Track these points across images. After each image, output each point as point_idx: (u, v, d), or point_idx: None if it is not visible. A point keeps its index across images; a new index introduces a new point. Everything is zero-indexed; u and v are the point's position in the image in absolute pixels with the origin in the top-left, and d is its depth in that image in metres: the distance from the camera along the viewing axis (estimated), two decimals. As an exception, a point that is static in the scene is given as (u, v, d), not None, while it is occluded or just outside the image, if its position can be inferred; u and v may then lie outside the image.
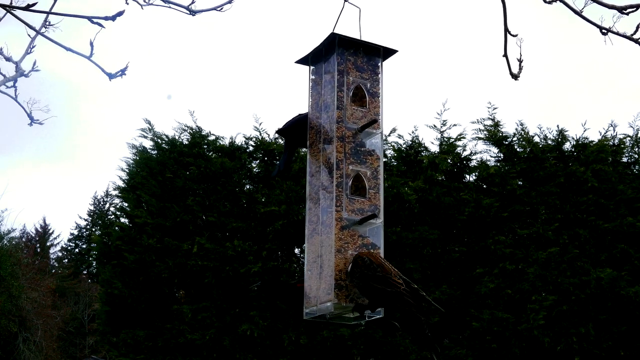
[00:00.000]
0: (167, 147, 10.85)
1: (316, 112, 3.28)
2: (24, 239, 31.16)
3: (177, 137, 10.92)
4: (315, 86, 3.33)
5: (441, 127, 10.70)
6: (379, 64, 3.32)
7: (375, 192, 3.18)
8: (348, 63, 3.23)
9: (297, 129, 3.37)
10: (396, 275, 2.93)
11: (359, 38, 3.27)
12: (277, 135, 10.67)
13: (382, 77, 3.31)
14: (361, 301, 2.98)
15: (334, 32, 3.20)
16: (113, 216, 12.38)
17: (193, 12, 2.53)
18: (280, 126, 3.47)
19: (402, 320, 2.92)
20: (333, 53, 3.24)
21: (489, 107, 10.72)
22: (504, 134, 10.57)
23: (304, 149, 3.33)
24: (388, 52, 3.33)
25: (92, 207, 32.58)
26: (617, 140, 10.45)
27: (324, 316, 3.04)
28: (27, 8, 2.31)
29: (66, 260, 32.32)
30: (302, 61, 3.38)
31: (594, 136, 14.17)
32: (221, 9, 2.60)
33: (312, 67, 3.37)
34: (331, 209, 3.06)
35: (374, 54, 3.31)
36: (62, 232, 53.22)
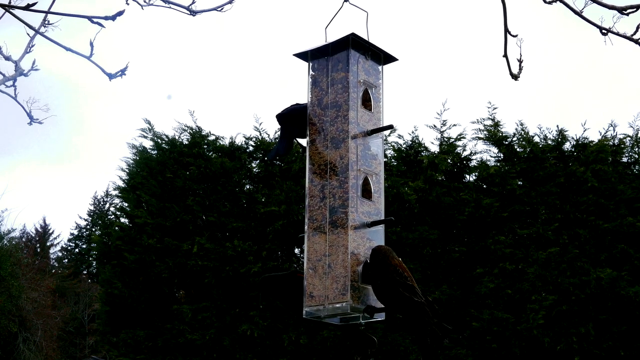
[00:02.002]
0: (167, 147, 10.85)
1: (318, 109, 3.26)
2: (24, 239, 31.14)
3: (177, 137, 10.93)
4: (317, 83, 3.31)
5: (441, 127, 10.71)
6: (380, 69, 3.33)
7: (378, 195, 3.19)
8: (359, 65, 3.23)
9: (296, 118, 3.36)
10: (417, 286, 2.98)
11: (367, 41, 3.27)
12: (276, 136, 10.67)
13: (383, 82, 3.33)
14: (372, 303, 2.99)
15: (353, 32, 3.20)
16: (113, 216, 12.40)
17: (193, 12, 2.53)
18: (280, 111, 3.47)
19: (413, 329, 2.93)
20: (343, 52, 3.23)
21: (489, 107, 10.73)
22: (504, 134, 10.56)
23: (301, 149, 3.32)
24: (388, 58, 3.34)
25: (92, 207, 32.56)
26: (617, 140, 10.44)
27: (319, 316, 3.03)
28: (27, 8, 2.30)
29: (66, 260, 32.30)
30: (301, 56, 3.36)
31: (594, 136, 14.17)
32: (221, 9, 2.59)
33: (313, 64, 3.35)
34: (344, 209, 3.05)
35: (376, 60, 3.32)
36: (62, 232, 53.22)
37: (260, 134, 10.83)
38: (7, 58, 2.74)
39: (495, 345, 9.44)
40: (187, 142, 10.82)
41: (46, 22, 2.57)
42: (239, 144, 10.81)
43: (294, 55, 3.35)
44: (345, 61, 3.22)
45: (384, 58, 3.34)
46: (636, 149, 10.50)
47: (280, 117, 3.46)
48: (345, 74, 3.20)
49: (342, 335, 9.37)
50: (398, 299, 2.91)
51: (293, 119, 3.38)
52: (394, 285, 2.90)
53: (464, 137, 10.66)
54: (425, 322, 2.89)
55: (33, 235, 32.37)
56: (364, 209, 3.11)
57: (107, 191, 31.16)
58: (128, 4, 2.43)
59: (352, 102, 3.16)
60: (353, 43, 3.21)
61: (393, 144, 10.72)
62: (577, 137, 10.42)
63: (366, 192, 3.15)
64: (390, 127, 3.24)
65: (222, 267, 9.89)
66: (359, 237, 3.07)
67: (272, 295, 3.43)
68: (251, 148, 10.85)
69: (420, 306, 2.91)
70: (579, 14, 2.61)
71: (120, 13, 2.36)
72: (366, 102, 3.25)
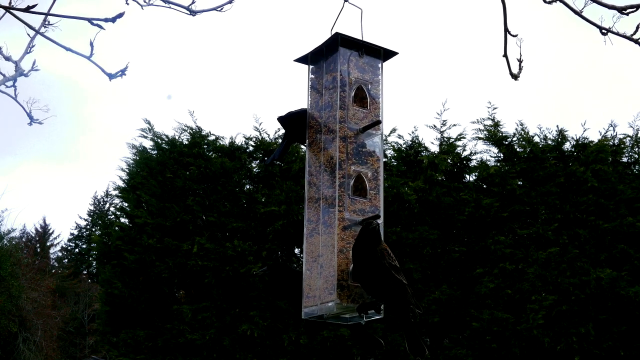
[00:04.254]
0: (167, 147, 10.85)
1: (316, 111, 3.28)
2: (24, 239, 31.15)
3: (177, 137, 10.93)
4: (315, 85, 3.33)
5: (441, 127, 10.71)
6: (380, 65, 3.32)
7: (376, 193, 3.17)
8: (350, 63, 3.23)
9: (298, 122, 3.37)
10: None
11: (361, 39, 3.26)
12: (276, 136, 10.67)
13: (383, 78, 3.31)
14: (363, 300, 2.98)
15: (337, 31, 3.19)
16: (113, 216, 12.39)
17: (193, 12, 2.53)
18: (283, 114, 3.47)
19: (398, 318, 2.94)
20: (335, 53, 3.23)
21: (489, 107, 10.74)
22: (504, 134, 10.57)
23: (303, 148, 3.33)
24: (388, 54, 3.33)
25: (92, 207, 32.58)
26: (617, 140, 10.45)
27: (322, 316, 3.04)
28: (27, 10, 2.31)
29: (66, 260, 32.31)
30: (302, 60, 3.37)
31: (594, 136, 14.19)
32: (221, 9, 2.59)
33: (311, 67, 3.36)
34: (333, 209, 3.05)
35: (375, 55, 3.31)
36: (62, 232, 53.24)
37: (260, 134, 10.83)
38: (8, 58, 2.74)
39: (495, 345, 9.44)
40: (187, 142, 10.82)
41: (46, 23, 2.57)
42: (239, 144, 10.82)
43: (294, 60, 3.36)
44: (335, 61, 3.22)
45: (384, 54, 3.33)
46: (636, 149, 10.50)
47: (282, 120, 3.46)
48: (335, 74, 3.20)
49: (350, 336, 9.37)
50: (391, 284, 2.90)
51: (293, 122, 3.39)
52: (388, 271, 2.90)
53: (464, 137, 10.67)
54: (408, 302, 2.91)
55: (33, 235, 32.39)
56: (357, 207, 3.10)
57: (107, 191, 31.20)
58: (128, 4, 2.43)
59: (341, 101, 3.16)
60: (342, 42, 3.21)
61: (393, 144, 10.73)
62: (577, 137, 10.43)
63: (360, 190, 3.14)
64: (379, 122, 3.21)
65: (222, 267, 9.89)
66: (350, 236, 3.06)
67: (278, 285, 3.39)
68: (251, 148, 10.84)
69: (405, 287, 2.93)
70: (579, 14, 2.61)
71: (120, 15, 2.36)
72: (362, 99, 3.24)
